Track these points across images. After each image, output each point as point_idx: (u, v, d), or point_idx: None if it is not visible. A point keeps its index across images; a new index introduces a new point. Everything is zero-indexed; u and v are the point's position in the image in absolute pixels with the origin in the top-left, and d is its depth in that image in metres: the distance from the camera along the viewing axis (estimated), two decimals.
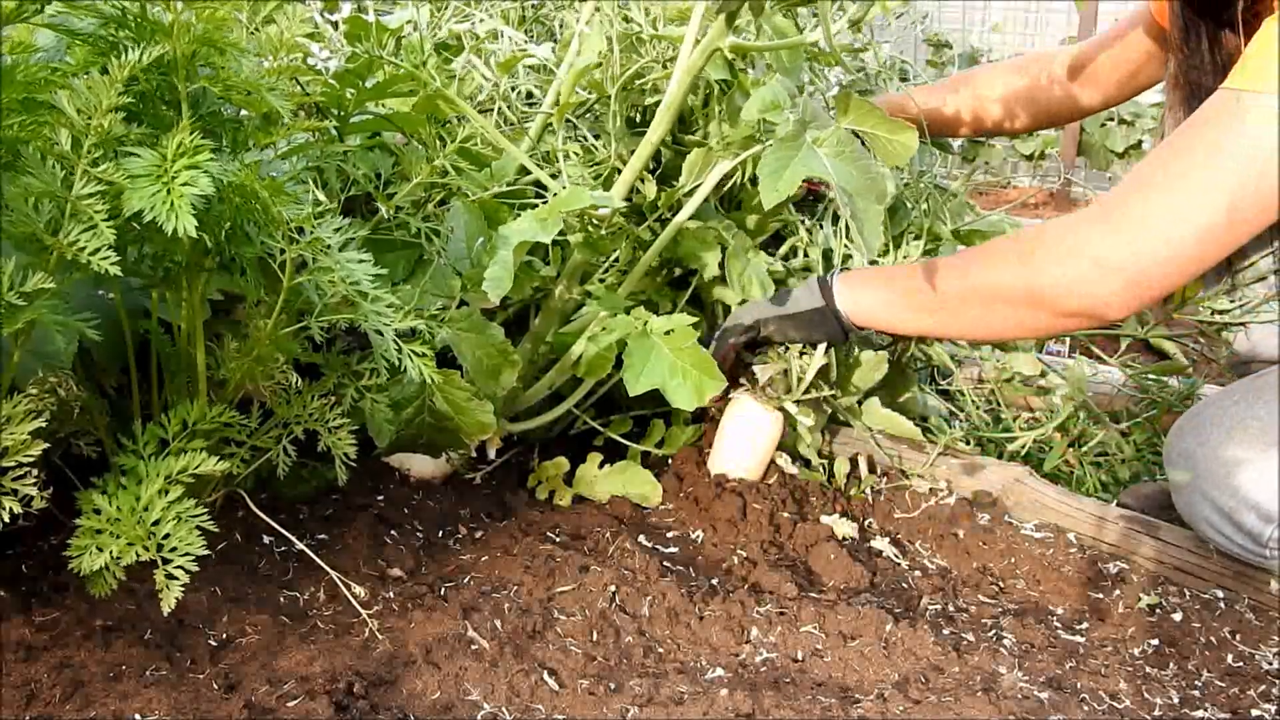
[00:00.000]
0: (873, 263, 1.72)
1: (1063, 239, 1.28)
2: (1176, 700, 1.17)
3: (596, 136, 1.62)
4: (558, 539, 1.44)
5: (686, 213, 1.47)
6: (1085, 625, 1.32)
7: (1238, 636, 1.30)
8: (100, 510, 1.07)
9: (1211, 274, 1.57)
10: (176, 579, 1.04)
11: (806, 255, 1.74)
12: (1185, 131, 1.23)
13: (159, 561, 1.05)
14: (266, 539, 1.32)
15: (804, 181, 1.26)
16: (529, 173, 1.47)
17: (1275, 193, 1.17)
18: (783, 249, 1.77)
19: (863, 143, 1.36)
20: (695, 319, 1.44)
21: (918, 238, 1.79)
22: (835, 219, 1.75)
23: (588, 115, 1.69)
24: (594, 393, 1.63)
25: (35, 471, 1.01)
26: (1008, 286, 1.33)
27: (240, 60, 1.10)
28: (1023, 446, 1.75)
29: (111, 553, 1.04)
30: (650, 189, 1.53)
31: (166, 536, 1.05)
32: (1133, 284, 1.24)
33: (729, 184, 1.65)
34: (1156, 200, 1.22)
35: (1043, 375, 1.89)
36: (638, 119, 1.67)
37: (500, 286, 1.23)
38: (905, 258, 1.75)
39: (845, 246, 1.72)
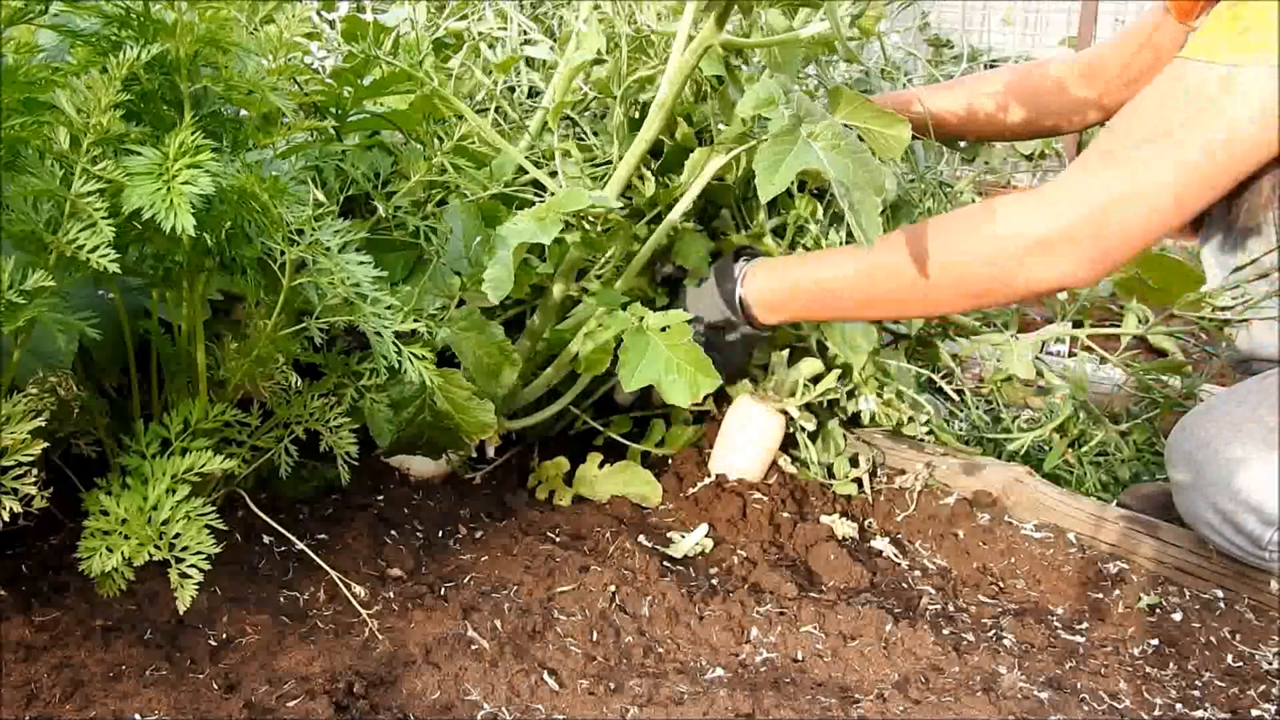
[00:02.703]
0: None
1: (1020, 224, 1.31)
2: (1176, 700, 1.17)
3: (596, 134, 1.62)
4: (558, 539, 1.44)
5: (679, 210, 1.47)
6: (1085, 625, 1.32)
7: (1238, 636, 1.30)
8: (108, 511, 1.07)
9: (1215, 269, 1.57)
10: (190, 577, 1.05)
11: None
12: (1130, 104, 1.30)
13: (172, 561, 1.05)
14: (266, 539, 1.32)
15: None
16: (527, 172, 1.47)
17: (1212, 147, 1.23)
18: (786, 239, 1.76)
19: (859, 138, 1.36)
20: (690, 315, 1.44)
21: None
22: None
23: (587, 113, 1.68)
24: (593, 391, 1.63)
25: (35, 471, 1.01)
26: (968, 278, 1.35)
27: (244, 60, 1.10)
28: (1021, 446, 1.75)
29: (123, 554, 1.04)
30: (649, 187, 1.53)
31: (177, 536, 1.06)
32: (1092, 252, 1.28)
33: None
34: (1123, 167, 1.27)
35: (1039, 375, 1.89)
36: (637, 116, 1.67)
37: (500, 287, 1.23)
38: None
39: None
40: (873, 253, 1.38)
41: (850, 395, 1.71)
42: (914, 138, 1.83)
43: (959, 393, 1.93)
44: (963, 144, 2.02)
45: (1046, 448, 1.85)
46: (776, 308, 1.51)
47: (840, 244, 1.67)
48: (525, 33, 1.68)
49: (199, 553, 1.05)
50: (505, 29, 1.69)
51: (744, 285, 1.51)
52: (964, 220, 1.37)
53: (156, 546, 1.05)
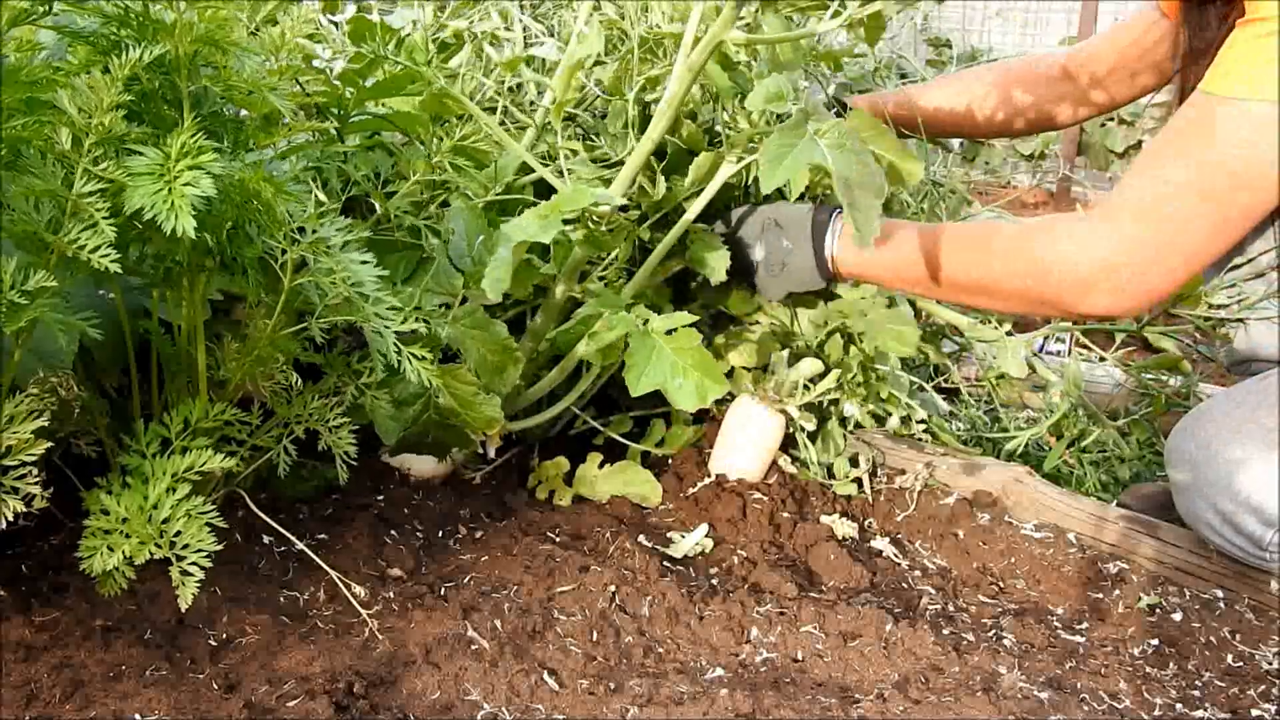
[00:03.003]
0: None
1: (1065, 254, 1.33)
2: (1176, 700, 1.17)
3: (599, 135, 1.61)
4: (558, 539, 1.44)
5: (693, 212, 1.46)
6: (1085, 625, 1.32)
7: (1238, 636, 1.30)
8: (108, 510, 1.07)
9: (1211, 268, 1.58)
10: (192, 575, 1.05)
11: None
12: (1167, 140, 1.29)
13: (173, 559, 1.05)
14: (266, 539, 1.32)
15: None
16: (531, 171, 1.46)
17: (1256, 186, 1.23)
18: None
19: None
20: (696, 318, 1.43)
21: None
22: None
23: (589, 115, 1.68)
24: (593, 391, 1.63)
25: (36, 471, 1.01)
26: (1018, 291, 1.38)
27: (243, 60, 1.10)
28: (1019, 446, 1.75)
29: (124, 552, 1.04)
30: (659, 188, 1.52)
31: (178, 534, 1.06)
32: (1135, 291, 1.31)
33: None
34: (1149, 210, 1.28)
35: (1033, 372, 1.88)
36: (639, 117, 1.66)
37: (499, 286, 1.23)
38: None
39: None
40: (948, 243, 1.41)
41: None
42: (906, 136, 1.84)
43: (955, 391, 1.93)
44: (958, 143, 2.02)
45: (1046, 447, 1.85)
46: (858, 263, 1.52)
47: None
48: (528, 31, 1.67)
49: (200, 550, 1.05)
50: (509, 29, 1.69)
51: (834, 226, 1.51)
52: (1025, 236, 1.38)
53: (158, 544, 1.05)
